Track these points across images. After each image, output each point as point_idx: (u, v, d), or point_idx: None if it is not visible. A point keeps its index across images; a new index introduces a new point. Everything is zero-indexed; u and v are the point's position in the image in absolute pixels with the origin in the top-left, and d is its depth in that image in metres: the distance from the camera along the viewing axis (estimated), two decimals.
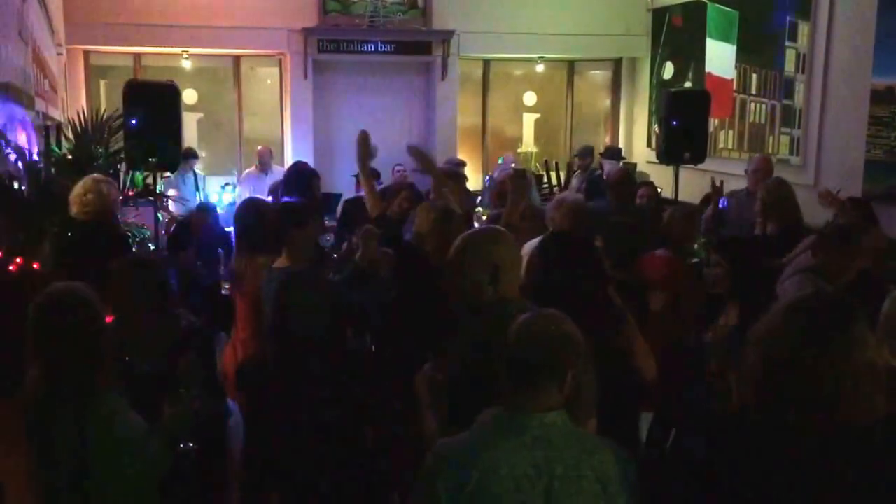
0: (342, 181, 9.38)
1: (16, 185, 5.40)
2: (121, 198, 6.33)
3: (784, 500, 1.92)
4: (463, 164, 8.94)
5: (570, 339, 2.19)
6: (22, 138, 6.07)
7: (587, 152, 9.54)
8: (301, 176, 5.54)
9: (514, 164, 9.02)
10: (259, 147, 9.51)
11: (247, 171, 9.56)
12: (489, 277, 2.75)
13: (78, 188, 4.65)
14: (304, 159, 9.85)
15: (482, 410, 2.25)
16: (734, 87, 8.95)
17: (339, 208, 7.69)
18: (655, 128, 10.04)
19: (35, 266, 4.70)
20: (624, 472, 2.14)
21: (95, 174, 4.85)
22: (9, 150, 5.30)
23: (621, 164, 9.24)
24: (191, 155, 9.00)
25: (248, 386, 4.23)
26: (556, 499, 2.07)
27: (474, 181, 9.52)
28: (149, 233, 6.70)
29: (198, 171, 9.03)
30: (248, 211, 4.63)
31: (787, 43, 8.05)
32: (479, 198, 7.47)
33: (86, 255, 4.31)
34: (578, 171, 9.43)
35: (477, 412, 2.26)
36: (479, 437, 2.16)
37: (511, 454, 2.09)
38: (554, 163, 10.59)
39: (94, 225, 4.59)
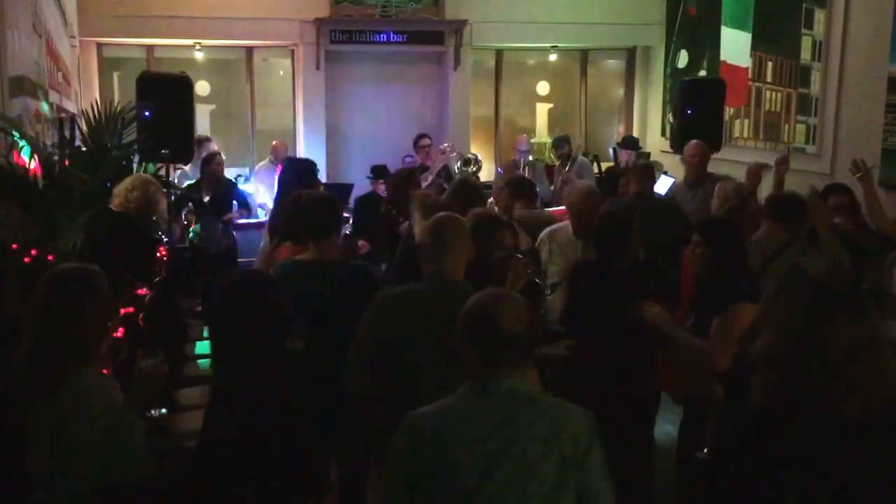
0: (354, 172, 9.38)
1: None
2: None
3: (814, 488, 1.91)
4: (426, 135, 9.02)
5: (526, 312, 2.36)
6: (36, 130, 6.09)
7: (562, 142, 9.37)
8: (306, 169, 5.50)
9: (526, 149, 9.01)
10: (274, 142, 9.52)
11: (260, 163, 9.57)
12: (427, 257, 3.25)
13: (126, 183, 4.82)
14: (317, 149, 9.94)
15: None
16: (749, 76, 8.88)
17: (352, 203, 7.70)
18: (670, 117, 9.99)
19: (49, 258, 4.70)
20: (579, 433, 2.26)
21: (144, 175, 4.95)
22: (23, 142, 5.31)
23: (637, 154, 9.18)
24: (206, 140, 9.03)
25: None
26: (499, 460, 2.20)
27: (487, 171, 9.51)
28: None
29: None
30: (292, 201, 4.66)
31: (803, 30, 7.97)
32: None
33: (115, 247, 4.36)
34: (560, 163, 9.23)
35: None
36: (445, 405, 2.33)
37: (471, 419, 2.25)
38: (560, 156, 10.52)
39: (129, 220, 4.65)
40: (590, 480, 2.23)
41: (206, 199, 7.66)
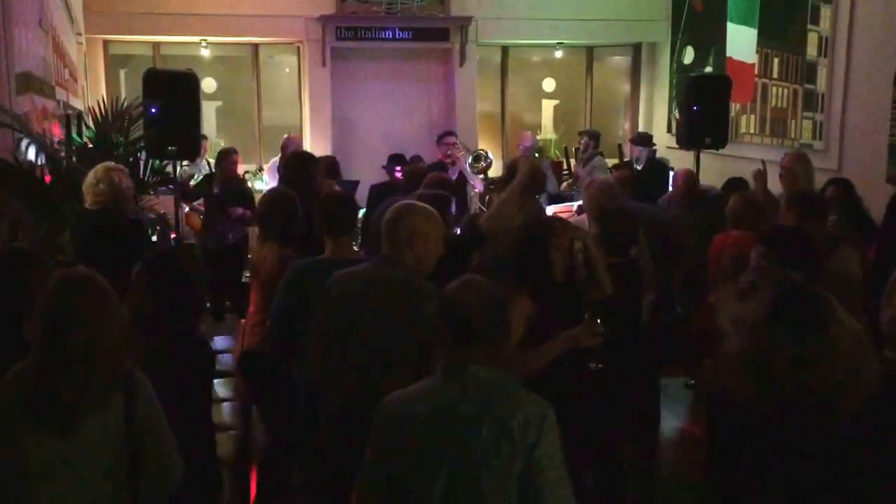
0: (360, 168, 9.38)
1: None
2: (148, 183, 6.40)
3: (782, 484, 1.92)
4: (452, 133, 9.00)
5: (500, 300, 2.41)
6: (43, 127, 6.11)
7: (582, 135, 9.42)
8: (301, 164, 5.48)
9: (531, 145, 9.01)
10: (284, 136, 9.49)
11: (273, 160, 9.55)
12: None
13: (90, 178, 4.66)
14: (323, 146, 9.93)
15: None
16: (755, 72, 8.86)
17: (366, 195, 7.68)
18: (676, 113, 9.97)
19: (59, 257, 4.72)
20: (543, 417, 2.28)
21: (107, 163, 4.86)
22: (30, 139, 5.34)
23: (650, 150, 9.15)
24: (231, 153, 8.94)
25: (247, 375, 4.26)
26: (482, 446, 2.23)
27: (496, 168, 9.50)
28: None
29: (210, 159, 9.00)
30: (276, 200, 4.63)
31: (809, 26, 7.95)
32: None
33: (103, 246, 4.34)
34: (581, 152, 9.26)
35: None
36: (419, 389, 2.40)
37: (444, 403, 2.30)
38: (573, 149, 10.52)
39: (108, 215, 4.61)
40: (536, 471, 2.23)
41: (216, 191, 7.64)
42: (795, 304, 1.99)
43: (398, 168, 7.72)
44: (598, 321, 3.33)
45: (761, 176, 5.77)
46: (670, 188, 8.24)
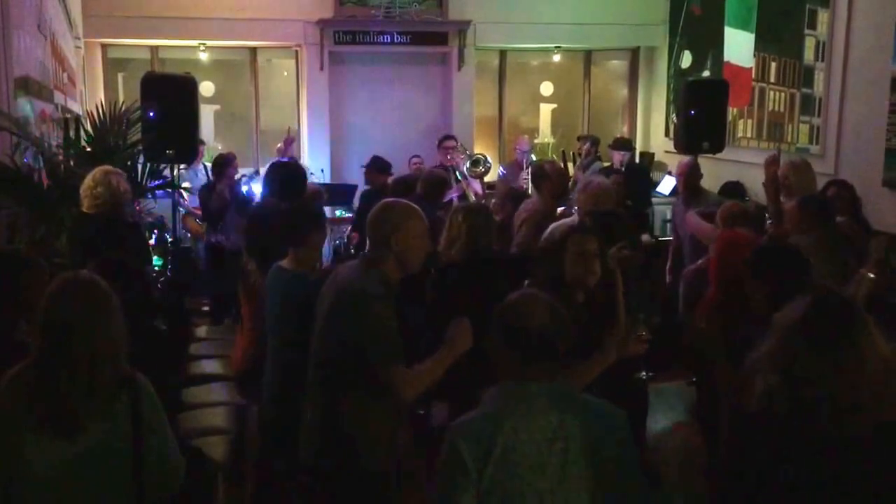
0: (358, 173, 9.39)
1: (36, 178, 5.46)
2: (146, 187, 6.40)
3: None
4: (452, 137, 9.01)
5: (564, 313, 2.33)
6: (41, 131, 6.12)
7: (584, 139, 9.45)
8: (295, 177, 5.46)
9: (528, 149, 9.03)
10: (278, 145, 9.47)
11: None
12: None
13: (87, 181, 4.65)
14: (321, 150, 9.95)
15: None
16: (753, 76, 8.88)
17: (357, 201, 7.69)
18: (673, 117, 9.99)
19: (56, 260, 4.73)
20: (619, 427, 2.28)
21: (105, 166, 4.86)
22: (28, 143, 5.34)
23: (629, 154, 9.15)
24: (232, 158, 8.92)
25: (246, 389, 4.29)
26: (572, 459, 2.19)
27: (493, 172, 9.52)
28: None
29: (207, 163, 8.99)
30: (266, 213, 4.62)
31: (806, 31, 7.97)
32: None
33: (101, 250, 4.34)
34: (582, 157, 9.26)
35: None
36: (495, 409, 2.26)
37: (530, 421, 2.21)
38: (571, 153, 10.52)
39: (106, 219, 4.61)
40: (626, 478, 2.25)
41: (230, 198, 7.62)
42: (830, 315, 1.99)
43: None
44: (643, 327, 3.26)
45: (774, 162, 5.74)
46: (658, 189, 8.31)
